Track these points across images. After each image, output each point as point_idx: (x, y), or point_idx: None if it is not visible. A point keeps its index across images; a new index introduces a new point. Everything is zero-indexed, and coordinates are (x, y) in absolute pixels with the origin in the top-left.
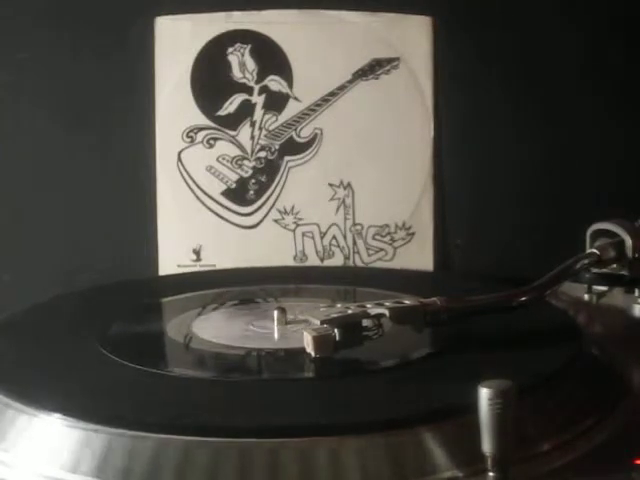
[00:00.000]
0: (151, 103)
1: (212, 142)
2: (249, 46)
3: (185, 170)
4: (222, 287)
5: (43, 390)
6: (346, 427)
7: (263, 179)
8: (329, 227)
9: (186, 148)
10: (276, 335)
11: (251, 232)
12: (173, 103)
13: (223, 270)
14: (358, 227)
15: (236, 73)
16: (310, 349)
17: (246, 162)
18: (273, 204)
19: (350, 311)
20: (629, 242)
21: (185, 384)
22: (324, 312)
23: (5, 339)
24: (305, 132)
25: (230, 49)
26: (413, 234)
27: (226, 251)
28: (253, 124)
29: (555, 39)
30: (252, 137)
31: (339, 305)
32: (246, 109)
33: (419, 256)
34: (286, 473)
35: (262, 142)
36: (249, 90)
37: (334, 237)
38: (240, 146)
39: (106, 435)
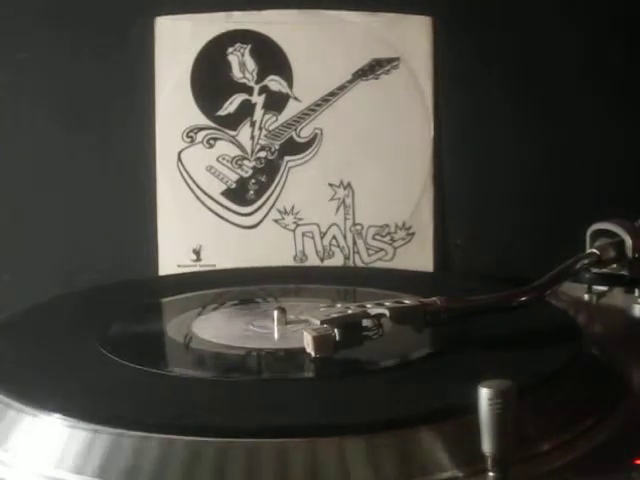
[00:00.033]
0: (151, 103)
1: (212, 142)
2: (249, 46)
3: (185, 170)
4: (222, 287)
5: (43, 390)
6: (346, 427)
7: (263, 179)
8: (329, 227)
9: (186, 148)
10: (276, 335)
11: (251, 232)
12: (173, 103)
13: (223, 270)
14: (358, 227)
15: (236, 73)
16: (310, 349)
17: (246, 162)
18: (273, 204)
19: (350, 311)
20: (629, 242)
21: (185, 384)
22: (324, 312)
23: (5, 339)
24: (305, 132)
25: (230, 49)
26: (413, 234)
27: (226, 251)
28: (253, 124)
29: (555, 39)
30: (252, 137)
31: (339, 305)
32: (246, 109)
33: (419, 256)
34: (286, 473)
35: (262, 142)
36: (249, 90)
37: (334, 237)
38: (240, 146)
39: (106, 435)
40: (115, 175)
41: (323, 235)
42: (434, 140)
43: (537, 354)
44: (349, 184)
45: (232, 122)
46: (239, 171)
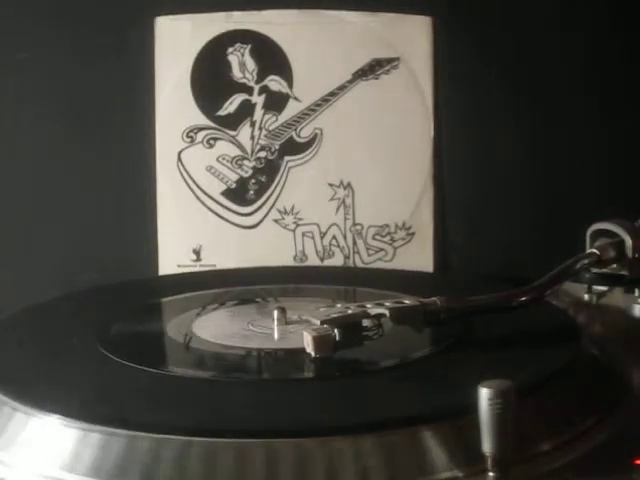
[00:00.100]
0: (151, 103)
1: (212, 142)
2: (249, 46)
3: (185, 170)
4: (222, 287)
5: (43, 390)
6: (346, 427)
7: (263, 179)
8: (329, 227)
9: (186, 148)
10: (276, 335)
11: (251, 232)
12: (173, 103)
13: (223, 270)
14: (358, 227)
15: (236, 73)
16: (310, 349)
17: (246, 162)
18: (273, 204)
19: (350, 311)
20: (629, 242)
21: (185, 384)
22: (324, 312)
23: (5, 339)
24: (305, 132)
25: (230, 49)
26: (413, 234)
27: (226, 251)
28: (253, 124)
29: (555, 39)
30: (252, 137)
31: (339, 305)
32: (246, 109)
33: (419, 256)
34: (285, 473)
35: (262, 142)
36: (249, 90)
37: (334, 237)
38: (240, 146)
39: (106, 435)
40: (115, 175)
41: (323, 235)
42: (434, 140)
43: (537, 354)
44: (349, 184)
45: (232, 122)
46: (239, 171)
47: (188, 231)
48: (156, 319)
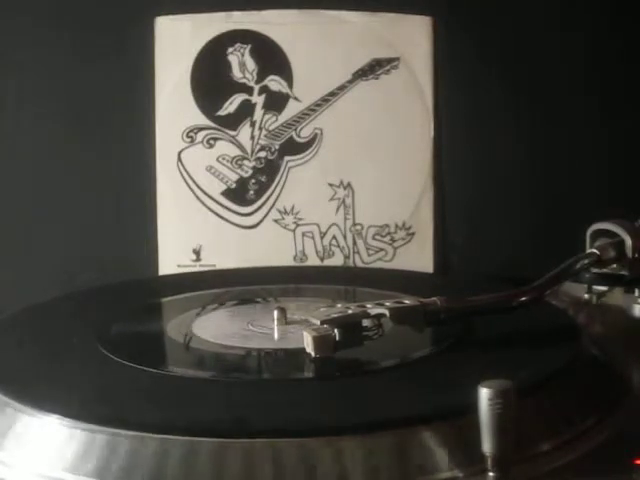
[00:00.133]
0: (151, 103)
1: (212, 142)
2: (249, 46)
3: (185, 170)
4: (222, 287)
5: (43, 390)
6: (346, 427)
7: (263, 179)
8: (329, 227)
9: (186, 148)
10: (276, 335)
11: (251, 232)
12: (173, 103)
13: (223, 270)
14: (358, 227)
15: (236, 73)
16: (310, 349)
17: (246, 162)
18: (273, 204)
19: (350, 311)
20: (629, 242)
21: (185, 384)
22: (324, 312)
23: (5, 339)
24: (305, 132)
25: (230, 49)
26: (413, 234)
27: (226, 251)
28: (253, 124)
29: (555, 39)
30: (252, 137)
31: (339, 305)
32: (246, 109)
33: (419, 256)
34: (285, 473)
35: (262, 142)
36: (249, 90)
37: (334, 237)
38: (240, 146)
39: (106, 435)
40: (115, 175)
41: (323, 235)
42: (434, 140)
43: (537, 354)
44: (349, 184)
45: (232, 122)
46: (239, 171)
47: (188, 231)
48: (156, 319)
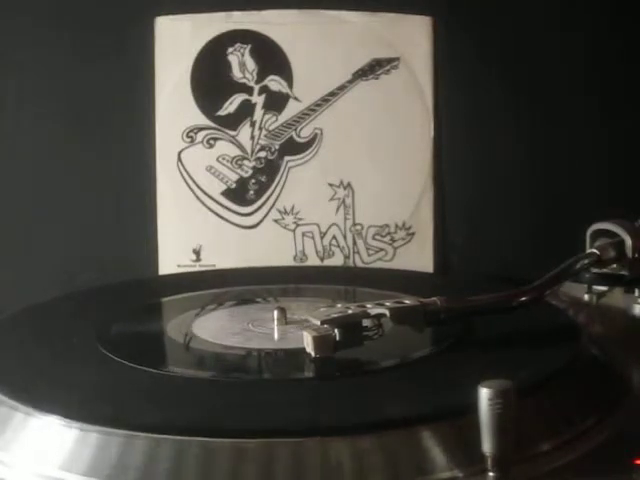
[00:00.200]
0: (151, 103)
1: (212, 142)
2: (249, 46)
3: (185, 170)
4: (222, 287)
5: (43, 390)
6: (346, 427)
7: (263, 179)
8: (329, 227)
9: (186, 148)
10: (276, 335)
11: (251, 232)
12: (173, 103)
13: (223, 270)
14: (358, 227)
15: (236, 73)
16: (310, 349)
17: (246, 162)
18: (273, 204)
19: (350, 311)
20: (629, 242)
21: (185, 384)
22: (324, 312)
23: (5, 339)
24: (305, 132)
25: (230, 49)
26: (413, 234)
27: (226, 251)
28: (253, 124)
29: (555, 39)
30: (252, 137)
31: (339, 305)
32: (246, 109)
33: (419, 256)
34: (285, 473)
35: (262, 142)
36: (249, 90)
37: (334, 237)
38: (240, 146)
39: (105, 435)
40: (115, 175)
41: (323, 235)
42: (434, 140)
43: (537, 354)
44: (349, 184)
45: (232, 122)
46: (239, 171)
47: (188, 231)
48: (156, 319)
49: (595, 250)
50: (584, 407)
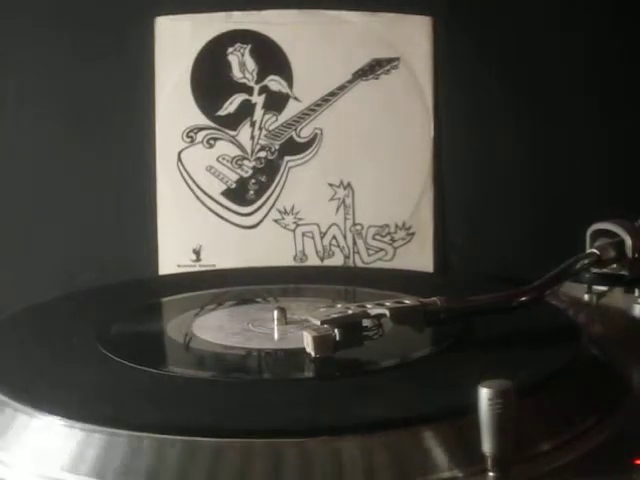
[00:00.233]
0: (151, 103)
1: (212, 142)
2: (249, 46)
3: (185, 170)
4: (222, 287)
5: (43, 390)
6: (346, 427)
7: (263, 179)
8: (329, 227)
9: (186, 148)
10: (276, 335)
11: (251, 232)
12: (173, 103)
13: (223, 270)
14: (358, 227)
15: (236, 73)
16: (310, 349)
17: (246, 162)
18: (273, 204)
19: (350, 311)
20: (629, 242)
21: (185, 384)
22: (324, 312)
23: (5, 339)
24: (305, 132)
25: (230, 49)
26: (413, 234)
27: (226, 251)
28: (253, 124)
29: (555, 39)
30: (252, 137)
31: (339, 305)
32: (246, 109)
33: (419, 256)
34: (285, 473)
35: (262, 142)
36: (249, 90)
37: (334, 237)
38: (240, 146)
39: (105, 435)
40: (115, 175)
41: (323, 235)
42: (434, 140)
43: (537, 354)
44: (349, 184)
45: (232, 122)
46: (239, 171)
47: (188, 231)
48: (156, 319)
49: (595, 250)
50: (584, 407)
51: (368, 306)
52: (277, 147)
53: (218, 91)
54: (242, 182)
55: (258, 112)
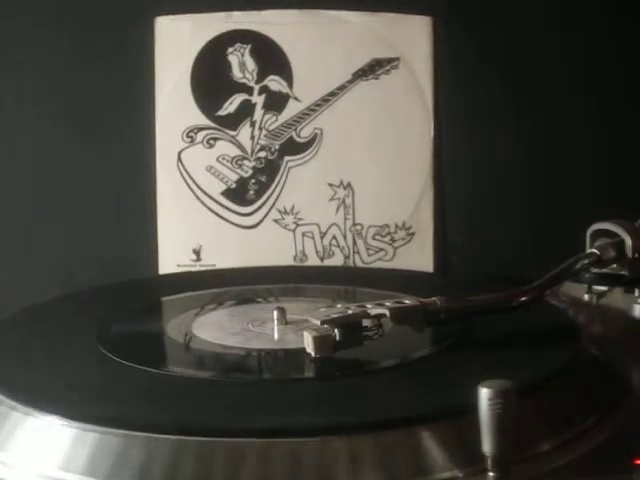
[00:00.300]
0: (151, 103)
1: (212, 142)
2: (249, 46)
3: (185, 170)
4: (222, 287)
5: (43, 390)
6: (346, 427)
7: (263, 179)
8: (329, 227)
9: (186, 148)
10: (276, 335)
11: (251, 232)
12: (173, 103)
13: (223, 270)
14: (358, 227)
15: (236, 73)
16: (310, 349)
17: (246, 162)
18: (273, 204)
19: (350, 311)
20: (629, 242)
21: (185, 384)
22: (324, 312)
23: (5, 339)
24: (305, 132)
25: (230, 49)
26: (413, 234)
27: (226, 251)
28: (253, 124)
29: (555, 39)
30: (252, 137)
31: (339, 305)
32: (246, 109)
33: (419, 256)
34: (285, 473)
35: (262, 142)
36: (249, 90)
37: (334, 237)
38: (240, 146)
39: (106, 435)
40: (115, 175)
41: (323, 235)
42: (434, 140)
43: (537, 354)
44: (349, 184)
45: (232, 122)
46: (239, 171)
47: (188, 231)
48: (156, 319)
49: (595, 250)
50: (584, 407)
51: (368, 306)
52: (277, 147)
53: (218, 91)
54: (242, 182)
55: (258, 112)
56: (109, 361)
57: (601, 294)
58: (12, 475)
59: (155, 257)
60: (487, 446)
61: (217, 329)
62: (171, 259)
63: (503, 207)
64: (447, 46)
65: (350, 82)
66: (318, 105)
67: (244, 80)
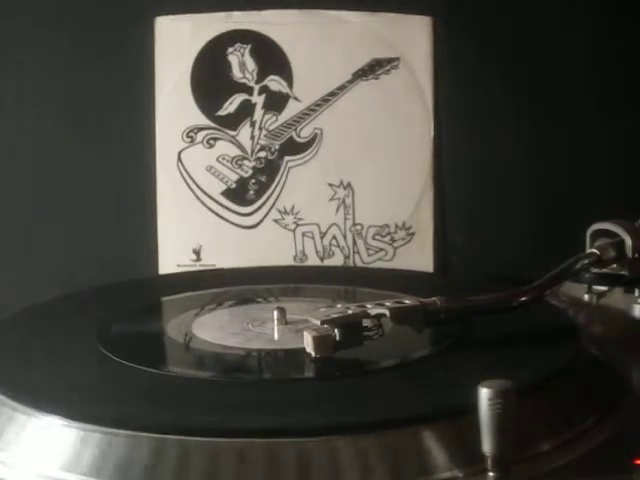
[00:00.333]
0: (151, 103)
1: (212, 142)
2: (249, 46)
3: (185, 170)
4: (222, 287)
5: (43, 390)
6: (346, 427)
7: (263, 179)
8: (329, 227)
9: (186, 148)
10: (276, 335)
11: (251, 232)
12: (173, 103)
13: (223, 270)
14: (358, 227)
15: (236, 73)
16: (310, 349)
17: (246, 162)
18: (273, 204)
19: (350, 311)
20: (629, 242)
21: (185, 384)
22: (324, 312)
23: (5, 339)
24: (305, 132)
25: (230, 49)
26: (413, 234)
27: (226, 251)
28: (253, 124)
29: (555, 39)
30: (252, 137)
31: (339, 305)
32: (246, 109)
33: (419, 256)
34: (285, 473)
35: (262, 142)
36: (249, 90)
37: (334, 237)
38: (240, 146)
39: (105, 435)
40: (115, 175)
41: (323, 235)
42: (434, 140)
43: (537, 354)
44: (349, 184)
45: (232, 122)
46: (239, 171)
47: (188, 231)
48: (156, 319)
49: (595, 250)
50: (584, 407)
51: (368, 306)
52: (277, 147)
53: (218, 91)
54: (242, 182)
55: (258, 112)
56: (109, 361)
57: (601, 294)
58: (12, 475)
59: (155, 257)
60: (487, 446)
61: (217, 329)
62: (171, 259)
63: (503, 207)
64: (447, 46)
65: (350, 82)
66: (318, 105)
67: (244, 80)
